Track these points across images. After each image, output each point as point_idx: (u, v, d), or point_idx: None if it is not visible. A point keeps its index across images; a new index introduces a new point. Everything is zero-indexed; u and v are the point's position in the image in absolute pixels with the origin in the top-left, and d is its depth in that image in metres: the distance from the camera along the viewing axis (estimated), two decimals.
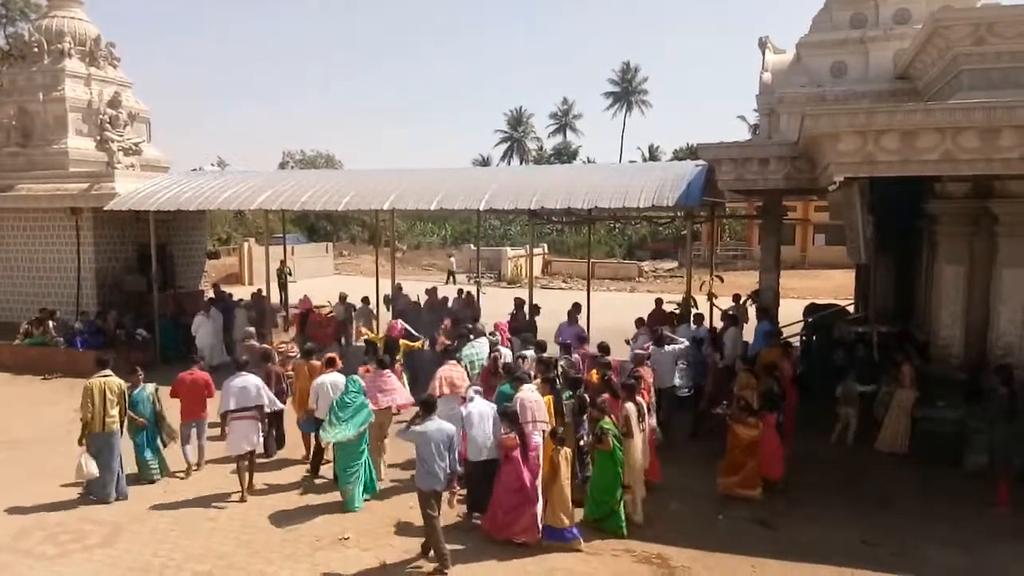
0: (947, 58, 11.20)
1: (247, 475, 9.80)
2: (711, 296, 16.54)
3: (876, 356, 12.52)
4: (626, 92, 78.45)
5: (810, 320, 15.92)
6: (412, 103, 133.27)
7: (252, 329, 14.53)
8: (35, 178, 18.94)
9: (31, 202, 18.68)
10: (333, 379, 9.98)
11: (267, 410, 10.11)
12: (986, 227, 10.81)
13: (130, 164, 19.24)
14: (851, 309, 17.95)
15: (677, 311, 14.64)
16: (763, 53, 15.14)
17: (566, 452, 8.45)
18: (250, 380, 9.89)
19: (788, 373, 11.29)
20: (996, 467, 9.37)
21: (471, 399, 8.90)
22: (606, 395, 9.38)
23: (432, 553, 7.88)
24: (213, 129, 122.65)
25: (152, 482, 10.17)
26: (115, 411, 9.64)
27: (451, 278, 34.28)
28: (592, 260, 27.28)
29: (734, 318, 14.06)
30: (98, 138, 19.25)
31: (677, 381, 11.99)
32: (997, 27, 10.51)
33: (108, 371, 9.83)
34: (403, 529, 8.75)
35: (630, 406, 8.90)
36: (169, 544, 8.39)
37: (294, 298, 20.53)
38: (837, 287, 29.78)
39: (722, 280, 18.19)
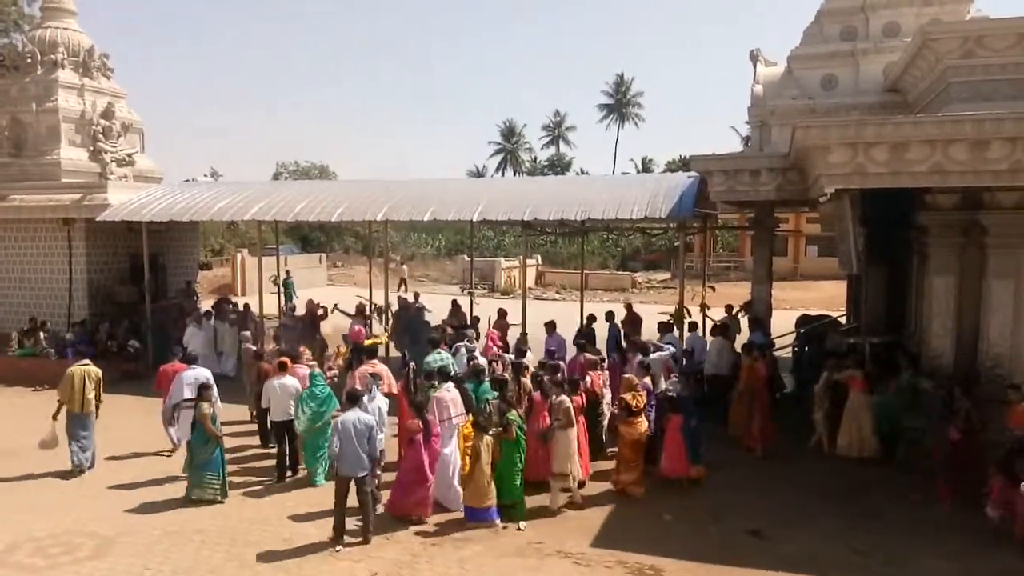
0: (936, 71, 11.31)
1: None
2: (704, 307, 16.58)
3: (869, 367, 12.54)
4: (619, 104, 78.70)
5: (802, 331, 15.97)
6: (406, 114, 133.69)
7: (248, 333, 15.09)
8: (27, 189, 18.89)
9: (23, 213, 18.62)
10: (283, 382, 10.66)
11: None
12: (976, 238, 10.88)
13: (123, 175, 19.20)
14: (843, 320, 18.02)
15: (670, 320, 14.67)
16: (754, 66, 15.26)
17: (487, 440, 9.05)
18: (201, 372, 11.08)
19: (761, 374, 11.71)
20: (935, 468, 9.69)
21: (372, 397, 9.70)
22: (536, 392, 10.21)
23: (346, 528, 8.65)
24: (206, 140, 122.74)
25: (210, 503, 9.80)
26: (91, 395, 10.97)
27: (403, 285, 34.53)
28: (585, 271, 27.36)
29: (724, 327, 14.12)
30: (91, 149, 19.20)
31: (667, 387, 12.01)
32: (986, 40, 10.63)
33: (87, 360, 11.35)
34: (394, 541, 8.71)
35: (566, 398, 9.55)
36: (159, 557, 8.32)
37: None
38: (829, 298, 29.88)
39: (714, 291, 18.23)
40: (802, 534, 8.84)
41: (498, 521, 9.08)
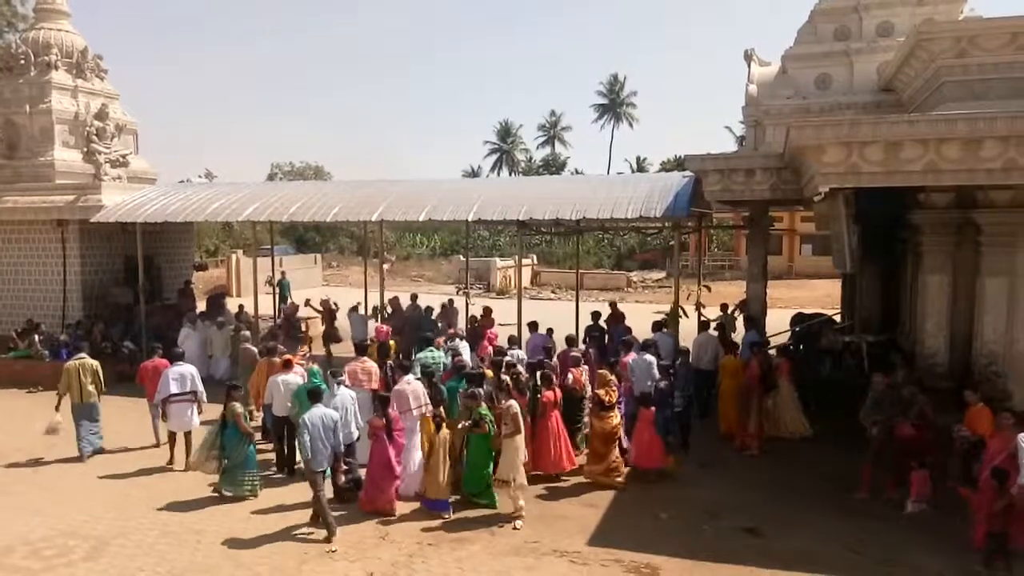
0: (930, 70, 11.35)
1: (185, 450, 11.17)
2: (699, 306, 16.61)
3: (866, 365, 12.60)
4: (614, 104, 78.72)
5: (797, 329, 16.01)
6: (401, 114, 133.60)
7: (247, 333, 15.15)
8: (21, 190, 18.82)
9: (17, 214, 18.55)
10: (286, 379, 10.83)
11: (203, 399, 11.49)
12: (970, 237, 10.92)
13: (117, 176, 19.16)
14: (838, 319, 18.06)
15: (664, 320, 14.70)
16: (749, 65, 15.29)
17: (445, 434, 9.43)
18: (187, 368, 11.49)
19: (755, 373, 11.84)
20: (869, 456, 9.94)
21: (334, 393, 9.89)
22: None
23: (321, 521, 8.84)
24: (201, 141, 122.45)
25: (243, 498, 9.94)
26: (91, 387, 11.69)
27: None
28: (581, 271, 27.31)
29: (721, 326, 14.19)
30: (85, 150, 19.18)
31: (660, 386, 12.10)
32: (979, 40, 10.67)
33: (83, 355, 11.93)
34: (391, 541, 8.71)
35: (514, 403, 9.50)
36: (155, 558, 8.31)
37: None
38: (824, 297, 29.96)
39: (710, 290, 18.26)
40: (797, 532, 8.87)
41: (448, 513, 9.31)
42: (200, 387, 11.51)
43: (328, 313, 18.78)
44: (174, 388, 11.19)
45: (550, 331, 14.36)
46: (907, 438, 9.64)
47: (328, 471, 9.02)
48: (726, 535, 8.85)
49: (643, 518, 9.27)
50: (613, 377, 10.75)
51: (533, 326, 14.66)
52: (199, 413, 11.52)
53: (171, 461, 11.30)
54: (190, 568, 8.07)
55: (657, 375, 11.60)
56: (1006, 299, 10.58)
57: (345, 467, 9.58)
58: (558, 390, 10.68)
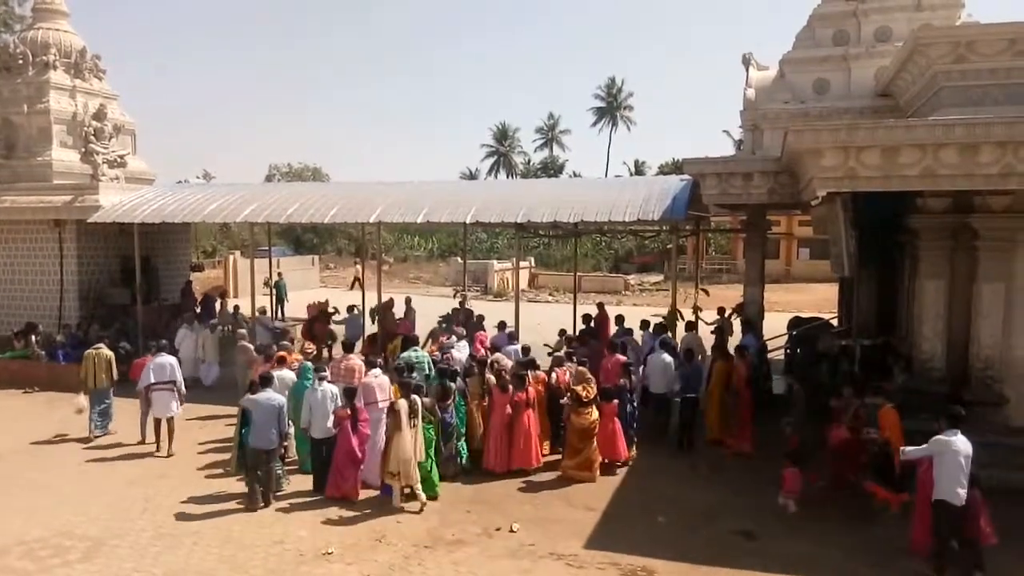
0: (928, 75, 11.37)
1: (168, 437, 11.97)
2: (696, 309, 16.62)
3: (858, 368, 12.61)
4: (612, 107, 78.82)
5: (794, 333, 16.03)
6: (400, 116, 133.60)
7: (244, 331, 15.28)
8: (18, 190, 18.79)
9: (14, 214, 18.51)
10: (280, 374, 11.12)
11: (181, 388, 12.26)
12: (966, 242, 10.93)
13: (115, 176, 19.12)
14: (835, 322, 18.09)
15: (663, 322, 14.71)
16: (747, 69, 15.30)
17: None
18: (167, 359, 12.28)
19: (743, 374, 12.03)
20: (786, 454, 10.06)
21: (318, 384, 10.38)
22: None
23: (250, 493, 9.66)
24: (199, 141, 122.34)
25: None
26: (103, 374, 12.84)
27: (356, 283, 36.04)
28: (578, 274, 27.33)
29: (720, 329, 14.21)
30: (83, 150, 19.11)
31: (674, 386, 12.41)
32: (976, 45, 10.69)
33: (101, 345, 13.25)
34: (387, 543, 8.69)
35: (402, 403, 9.75)
36: (150, 559, 8.29)
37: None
38: (821, 300, 29.97)
39: (707, 293, 18.27)
40: (793, 535, 8.88)
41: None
42: (179, 377, 12.24)
43: (323, 314, 18.79)
44: (154, 377, 11.93)
45: (512, 335, 14.56)
46: (841, 442, 9.97)
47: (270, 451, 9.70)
48: (722, 538, 8.85)
49: (640, 521, 9.27)
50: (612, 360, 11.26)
51: (501, 326, 14.97)
52: (179, 403, 12.21)
53: (158, 448, 11.99)
54: (185, 570, 8.05)
55: (674, 374, 12.03)
56: (1002, 304, 10.60)
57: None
58: (531, 391, 11.12)
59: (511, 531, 9.02)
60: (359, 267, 39.93)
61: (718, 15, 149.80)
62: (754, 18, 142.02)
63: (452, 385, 10.77)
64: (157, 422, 12.07)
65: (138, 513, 9.57)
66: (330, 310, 18.60)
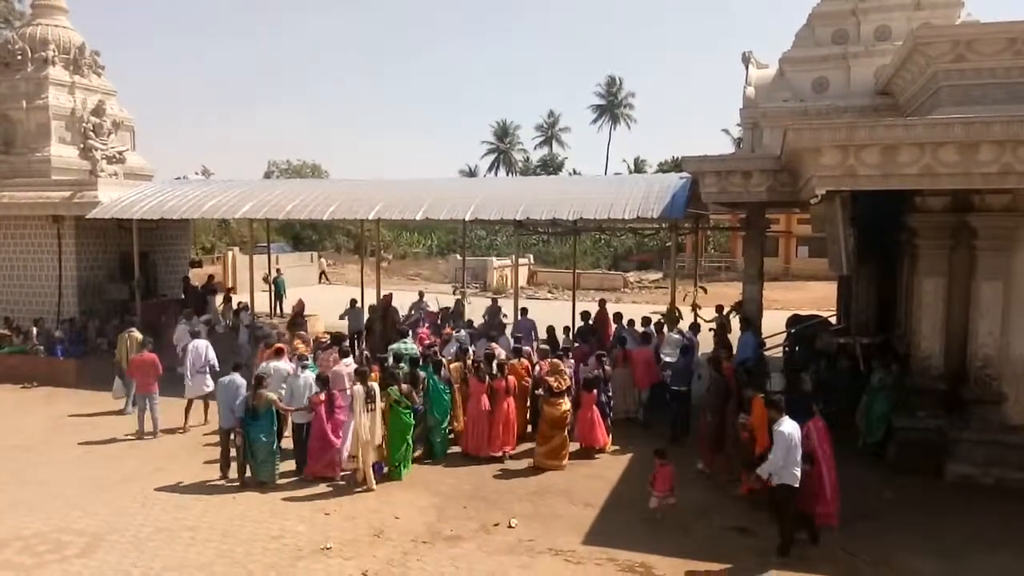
0: (927, 74, 11.37)
1: (203, 411, 13.06)
2: (695, 307, 16.64)
3: (861, 366, 12.62)
4: (611, 105, 78.75)
5: (793, 331, 16.03)
6: (399, 113, 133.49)
7: (244, 333, 15.95)
8: (17, 186, 18.78)
9: (13, 210, 18.52)
10: (277, 365, 11.58)
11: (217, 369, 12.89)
12: (965, 240, 10.94)
13: (113, 172, 19.14)
14: (833, 320, 18.09)
15: (662, 320, 14.73)
16: (747, 68, 15.31)
17: (381, 408, 10.36)
18: (200, 343, 13.23)
19: (728, 370, 11.84)
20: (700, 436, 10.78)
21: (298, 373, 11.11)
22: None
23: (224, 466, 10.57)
24: (198, 137, 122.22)
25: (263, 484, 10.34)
26: (133, 355, 13.34)
27: (323, 277, 39.24)
28: (577, 271, 27.34)
29: (721, 327, 14.28)
30: (81, 146, 19.13)
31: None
32: (976, 44, 10.69)
33: (132, 328, 14.24)
34: (386, 539, 8.72)
35: (358, 388, 10.26)
36: (148, 554, 8.30)
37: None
38: (820, 298, 29.96)
39: (706, 291, 18.31)
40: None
41: (372, 477, 10.28)
42: (214, 359, 13.13)
43: (298, 315, 18.54)
44: (194, 363, 12.88)
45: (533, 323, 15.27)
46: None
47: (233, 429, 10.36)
48: (719, 534, 8.87)
49: (637, 517, 9.28)
50: (564, 366, 11.61)
51: (523, 312, 15.54)
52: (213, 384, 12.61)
53: (185, 424, 12.95)
54: (184, 565, 8.07)
55: (698, 374, 12.41)
56: (1001, 302, 10.60)
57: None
58: (511, 379, 11.56)
59: (509, 527, 9.04)
60: (323, 260, 42.44)
61: (719, 14, 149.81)
62: (755, 16, 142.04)
63: (422, 373, 11.35)
64: (189, 402, 12.92)
65: (136, 507, 9.59)
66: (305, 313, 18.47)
